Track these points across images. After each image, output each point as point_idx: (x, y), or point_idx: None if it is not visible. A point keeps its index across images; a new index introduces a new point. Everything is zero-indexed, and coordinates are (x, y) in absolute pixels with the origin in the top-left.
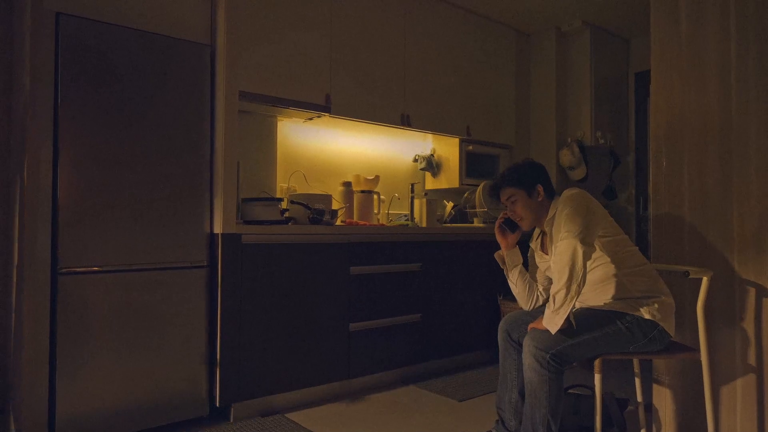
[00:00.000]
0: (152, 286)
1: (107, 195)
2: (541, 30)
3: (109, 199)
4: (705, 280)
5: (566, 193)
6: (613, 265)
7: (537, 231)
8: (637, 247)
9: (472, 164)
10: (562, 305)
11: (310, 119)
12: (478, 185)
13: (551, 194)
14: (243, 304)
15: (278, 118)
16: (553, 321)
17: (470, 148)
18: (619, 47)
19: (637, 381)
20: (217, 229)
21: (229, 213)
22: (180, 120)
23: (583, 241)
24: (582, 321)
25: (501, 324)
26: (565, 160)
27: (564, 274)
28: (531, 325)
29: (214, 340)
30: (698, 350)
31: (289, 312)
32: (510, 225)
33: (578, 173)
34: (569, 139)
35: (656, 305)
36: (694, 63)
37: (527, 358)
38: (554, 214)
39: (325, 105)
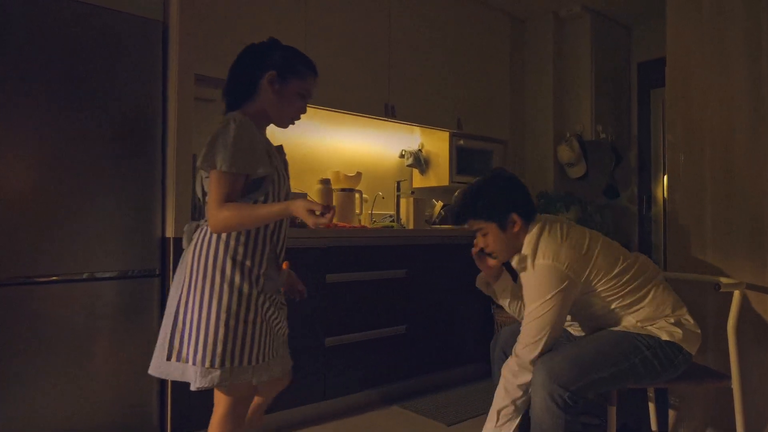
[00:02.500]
0: (93, 298)
1: (36, 194)
2: (538, 15)
3: (39, 200)
4: (737, 294)
5: (539, 263)
6: (615, 304)
7: None
8: (637, 260)
9: (464, 160)
10: (506, 422)
11: None
12: (470, 183)
13: (530, 215)
14: None
15: None
16: None
17: (461, 142)
18: (621, 35)
19: (651, 407)
20: (169, 233)
21: (183, 214)
22: (126, 108)
23: (533, 366)
24: (605, 349)
25: (494, 341)
26: (564, 155)
27: (512, 394)
28: None
29: None
30: (728, 376)
31: None
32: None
33: (578, 170)
34: (568, 134)
35: (672, 321)
36: (716, 51)
37: (538, 395)
38: (525, 257)
39: None
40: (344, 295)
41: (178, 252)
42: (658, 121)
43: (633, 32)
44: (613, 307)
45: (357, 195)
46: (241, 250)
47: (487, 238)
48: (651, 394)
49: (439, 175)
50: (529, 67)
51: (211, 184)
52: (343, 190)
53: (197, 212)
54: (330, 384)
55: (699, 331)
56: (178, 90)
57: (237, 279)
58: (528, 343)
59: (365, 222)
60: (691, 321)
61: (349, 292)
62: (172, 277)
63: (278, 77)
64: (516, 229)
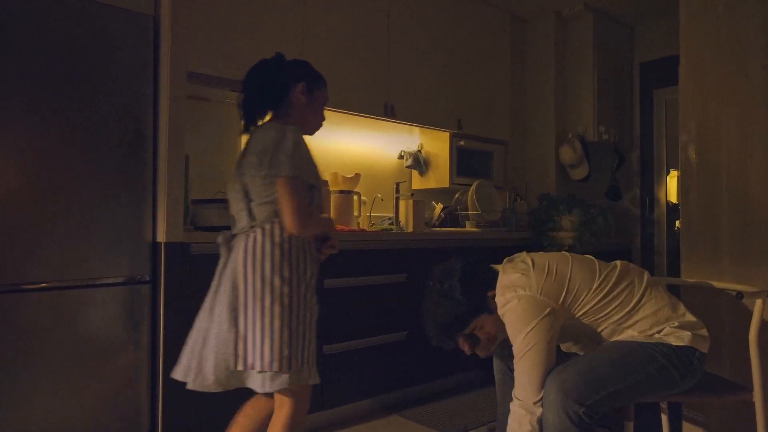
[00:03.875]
0: (82, 306)
1: (18, 198)
2: (539, 14)
3: (22, 204)
4: (759, 303)
5: (510, 305)
6: (611, 321)
7: None
8: (616, 268)
9: (464, 161)
10: None
11: None
12: (471, 185)
13: (495, 281)
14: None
15: None
16: None
17: (462, 143)
18: (623, 35)
19: (664, 419)
20: (161, 238)
21: (175, 218)
22: (115, 107)
23: (539, 406)
24: (619, 360)
25: (497, 354)
26: (566, 157)
27: None
28: None
29: (158, 370)
30: (749, 388)
31: None
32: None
33: (580, 172)
34: (570, 135)
35: (676, 324)
36: (732, 48)
37: (552, 411)
38: (502, 315)
39: None
40: (342, 301)
41: (171, 258)
42: (661, 122)
43: (635, 31)
44: (609, 325)
45: (355, 197)
46: (295, 252)
47: (484, 329)
48: (664, 405)
49: (439, 176)
50: (530, 67)
51: (284, 192)
52: (341, 192)
53: (193, 218)
54: (328, 393)
55: (704, 327)
56: (170, 88)
57: (294, 281)
58: (524, 384)
59: (364, 225)
60: (694, 319)
61: (348, 298)
62: (164, 285)
63: (306, 88)
64: (494, 304)
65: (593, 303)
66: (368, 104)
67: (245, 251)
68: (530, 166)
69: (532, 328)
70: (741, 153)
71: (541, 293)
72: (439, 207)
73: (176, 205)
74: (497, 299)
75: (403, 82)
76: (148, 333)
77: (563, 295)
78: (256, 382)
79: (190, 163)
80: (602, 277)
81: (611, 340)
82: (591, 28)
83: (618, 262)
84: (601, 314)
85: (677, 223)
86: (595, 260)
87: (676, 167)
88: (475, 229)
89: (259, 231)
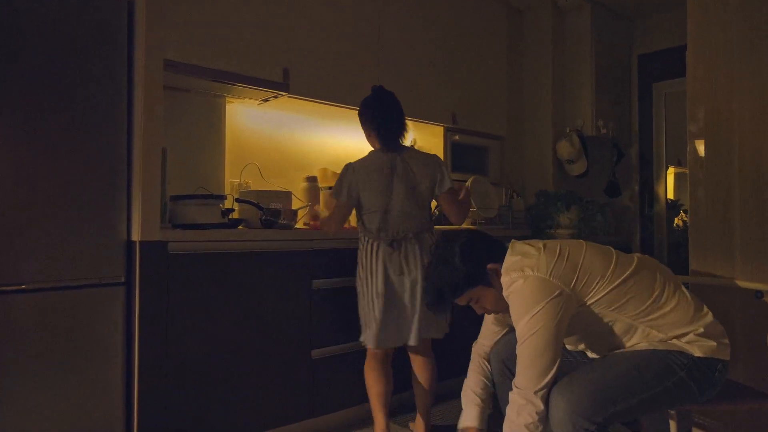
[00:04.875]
0: (52, 310)
1: None
2: (536, 5)
3: None
4: None
5: (515, 286)
6: (626, 315)
7: None
8: (635, 259)
9: (459, 157)
10: None
11: (266, 100)
12: (466, 181)
13: (503, 254)
14: (170, 331)
15: (227, 98)
16: None
17: (456, 138)
18: (621, 26)
19: (673, 425)
20: (135, 236)
21: (151, 215)
22: (87, 97)
23: (541, 398)
24: (633, 372)
25: (494, 352)
26: (564, 152)
27: None
28: None
29: (133, 378)
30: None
31: (233, 339)
32: None
33: (578, 167)
34: (568, 129)
35: (702, 331)
36: (744, 35)
37: (561, 427)
38: (507, 296)
39: (283, 82)
40: (332, 303)
41: (146, 258)
42: (661, 116)
43: (634, 23)
44: (624, 319)
45: None
46: None
47: (480, 303)
48: (672, 411)
49: None
50: (527, 60)
51: (452, 200)
52: (330, 188)
53: (171, 215)
54: (318, 400)
55: (727, 337)
56: (146, 77)
57: None
58: (526, 372)
59: (354, 222)
60: (720, 327)
61: (338, 299)
62: (139, 286)
63: None
64: (500, 276)
65: (607, 291)
66: (359, 97)
67: (427, 246)
68: (527, 161)
69: (539, 311)
70: (755, 143)
71: (551, 275)
72: (433, 204)
73: (152, 201)
74: (503, 279)
75: (395, 75)
76: (122, 337)
77: (575, 280)
78: (440, 332)
79: (169, 158)
80: (617, 265)
81: (625, 340)
82: (588, 19)
83: (637, 254)
84: (616, 305)
85: (676, 219)
86: (613, 249)
87: (674, 164)
88: (471, 226)
89: (430, 231)
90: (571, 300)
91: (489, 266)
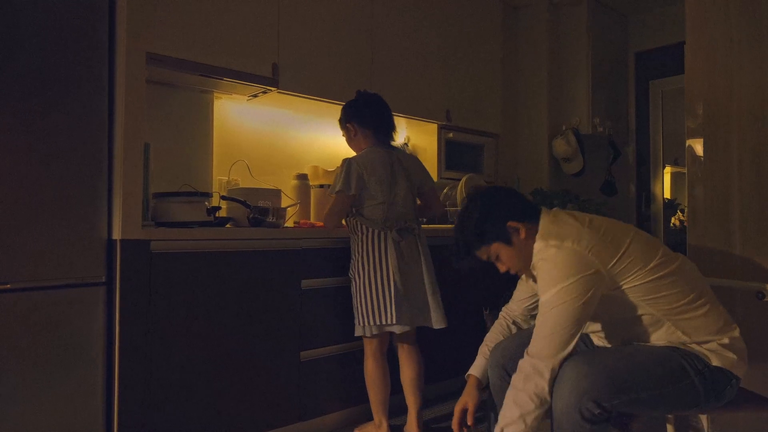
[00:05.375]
0: (29, 311)
1: None
2: (531, 1)
3: None
4: None
5: (548, 252)
6: (656, 309)
7: None
8: (679, 259)
9: (453, 155)
10: None
11: (255, 96)
12: (460, 179)
13: (530, 215)
14: (152, 333)
15: (215, 94)
16: None
17: (450, 135)
18: (618, 23)
19: (670, 429)
20: (116, 235)
21: (132, 212)
22: (66, 91)
23: (551, 370)
24: (649, 366)
25: (494, 358)
26: (559, 150)
27: (522, 407)
28: None
29: (113, 380)
30: None
31: (218, 341)
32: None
33: (574, 166)
34: (564, 127)
35: (726, 341)
36: (746, 28)
37: (564, 406)
38: (538, 253)
39: (272, 77)
40: (321, 303)
41: (127, 257)
42: (658, 114)
43: (629, 20)
44: (654, 312)
45: None
46: None
47: (500, 260)
48: (670, 414)
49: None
50: (522, 56)
51: (437, 195)
52: (321, 186)
53: (154, 213)
54: (306, 403)
55: (746, 357)
56: (127, 71)
57: None
58: (542, 341)
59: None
60: (743, 345)
61: (327, 300)
62: (119, 287)
63: None
64: (522, 235)
65: (645, 281)
66: (350, 93)
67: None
68: (522, 160)
69: (570, 284)
70: (755, 138)
71: (590, 251)
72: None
73: (134, 198)
74: (536, 245)
75: (387, 70)
76: (103, 339)
77: (614, 262)
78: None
79: (156, 155)
80: (662, 258)
81: (648, 333)
82: (585, 16)
83: (682, 255)
84: (651, 296)
85: (673, 219)
86: (660, 243)
87: (671, 163)
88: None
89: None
90: (604, 281)
91: (510, 224)
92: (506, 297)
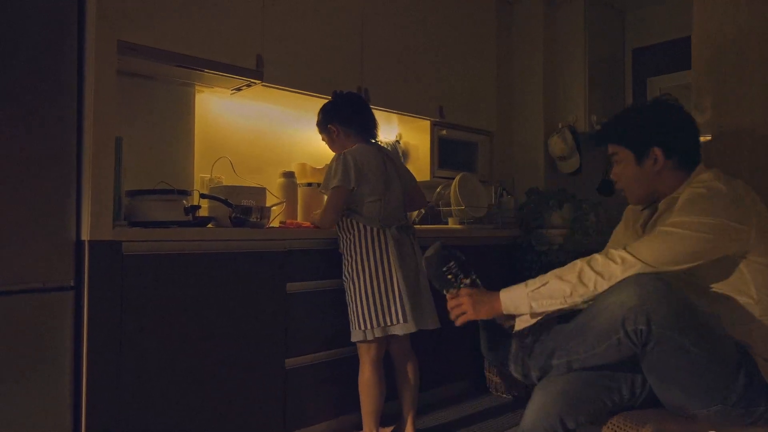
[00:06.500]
0: None
1: None
2: None
3: None
4: None
5: (713, 183)
6: (760, 308)
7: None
8: None
9: (447, 153)
10: (545, 300)
11: (238, 89)
12: (454, 178)
13: (688, 163)
14: (124, 342)
15: (196, 87)
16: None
17: (444, 133)
18: (615, 19)
19: None
20: (85, 235)
21: (102, 211)
22: (30, 82)
23: (638, 270)
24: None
25: (544, 398)
26: (556, 148)
27: (583, 278)
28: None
29: (81, 390)
30: None
31: (197, 348)
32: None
33: (571, 164)
34: (560, 125)
35: None
36: (758, 21)
37: None
38: (676, 199)
39: (256, 69)
40: (308, 307)
41: (97, 259)
42: None
43: (626, 17)
44: (760, 297)
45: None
46: None
47: (619, 167)
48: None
49: (420, 168)
50: (517, 52)
51: (419, 188)
52: (309, 184)
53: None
54: (291, 413)
55: None
56: (96, 60)
57: None
58: (654, 243)
59: None
60: None
61: (315, 304)
62: (88, 291)
63: None
64: (657, 167)
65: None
66: (338, 87)
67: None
68: (518, 158)
69: (717, 223)
70: (766, 133)
71: (754, 209)
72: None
73: (104, 196)
74: (704, 174)
75: (378, 65)
76: (71, 346)
77: (756, 235)
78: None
79: (132, 150)
80: None
81: (731, 319)
82: (581, 11)
83: None
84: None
85: None
86: None
87: None
88: (458, 226)
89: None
90: (742, 241)
91: (654, 149)
92: None
